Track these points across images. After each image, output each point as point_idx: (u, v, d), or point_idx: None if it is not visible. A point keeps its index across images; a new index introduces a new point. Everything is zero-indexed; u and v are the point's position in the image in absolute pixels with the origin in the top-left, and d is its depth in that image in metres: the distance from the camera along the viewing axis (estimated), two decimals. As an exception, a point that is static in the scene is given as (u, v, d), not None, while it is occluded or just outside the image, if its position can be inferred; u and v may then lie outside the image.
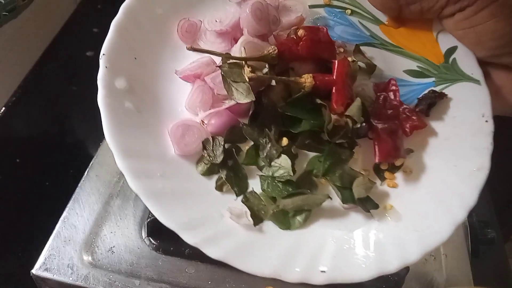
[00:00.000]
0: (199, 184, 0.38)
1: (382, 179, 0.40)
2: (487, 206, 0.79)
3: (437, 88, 0.41)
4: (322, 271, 0.34)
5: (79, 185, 0.67)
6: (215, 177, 0.39)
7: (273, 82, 0.39)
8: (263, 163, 0.39)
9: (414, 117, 0.39)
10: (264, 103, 0.39)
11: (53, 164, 0.80)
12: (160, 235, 0.61)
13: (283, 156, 0.38)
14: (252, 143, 0.40)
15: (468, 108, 0.39)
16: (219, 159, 0.38)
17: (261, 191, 0.38)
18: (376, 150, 0.39)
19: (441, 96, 0.40)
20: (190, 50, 0.38)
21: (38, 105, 0.81)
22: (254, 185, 0.39)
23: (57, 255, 0.60)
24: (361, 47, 0.43)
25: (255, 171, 0.40)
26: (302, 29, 0.39)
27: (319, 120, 0.38)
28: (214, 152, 0.38)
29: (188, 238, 0.34)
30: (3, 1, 0.64)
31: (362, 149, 0.40)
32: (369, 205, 0.38)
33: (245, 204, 0.38)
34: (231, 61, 0.38)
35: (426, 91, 0.41)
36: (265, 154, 0.38)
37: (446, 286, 0.62)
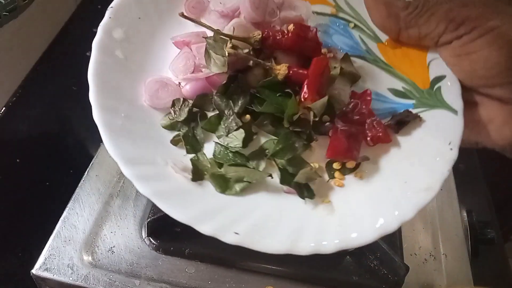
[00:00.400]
0: (156, 134, 0.41)
1: (331, 176, 0.41)
2: (487, 206, 0.79)
3: (415, 111, 0.42)
4: (235, 233, 0.35)
5: (79, 185, 0.67)
6: (175, 133, 0.41)
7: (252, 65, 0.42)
8: (221, 133, 0.41)
9: (379, 129, 0.40)
10: (240, 82, 0.41)
11: (53, 164, 0.80)
12: (160, 235, 0.61)
13: (240, 130, 0.41)
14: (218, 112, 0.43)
15: (437, 134, 0.40)
16: (182, 117, 0.41)
17: (211, 156, 0.41)
18: (329, 146, 0.40)
19: (414, 117, 0.41)
20: (181, 16, 0.41)
21: (38, 105, 0.81)
22: (207, 149, 0.41)
23: (57, 255, 0.60)
24: (354, 59, 0.45)
25: (212, 138, 0.42)
26: (293, 25, 0.41)
27: (283, 107, 0.40)
28: (180, 111, 0.41)
29: (126, 171, 0.36)
30: (3, 1, 0.64)
31: (322, 146, 0.41)
32: (306, 192, 0.39)
33: (192, 161, 0.40)
34: (219, 36, 0.41)
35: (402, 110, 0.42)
36: (225, 124, 0.41)
37: (446, 286, 0.62)
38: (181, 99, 0.42)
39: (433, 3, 0.39)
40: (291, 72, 0.40)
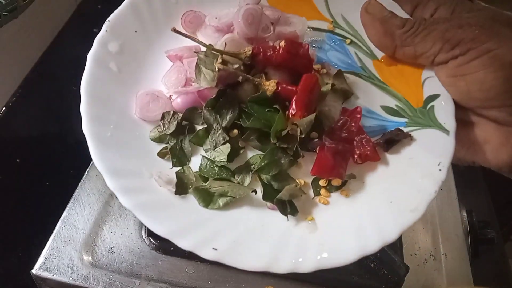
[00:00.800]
0: (144, 146, 0.41)
1: (317, 193, 0.41)
2: (487, 206, 0.79)
3: (406, 129, 0.41)
4: (213, 248, 0.35)
5: (79, 185, 0.67)
6: (163, 146, 0.41)
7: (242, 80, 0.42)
8: (208, 146, 0.41)
9: (367, 147, 0.40)
10: (229, 96, 0.41)
11: (53, 164, 0.80)
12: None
13: (227, 144, 0.41)
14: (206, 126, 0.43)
15: (427, 153, 0.39)
16: (171, 130, 0.41)
17: (197, 170, 0.41)
18: (314, 163, 0.40)
19: (405, 136, 0.41)
20: (173, 31, 0.41)
21: (38, 105, 0.81)
22: (194, 163, 0.41)
23: (57, 255, 0.60)
24: (347, 75, 0.45)
25: (200, 151, 0.42)
26: (284, 41, 0.41)
27: (271, 122, 0.40)
28: (169, 124, 0.42)
29: (110, 182, 0.36)
30: (3, 1, 0.64)
31: (309, 162, 0.41)
32: (289, 208, 0.39)
33: (177, 174, 0.40)
34: (210, 51, 0.41)
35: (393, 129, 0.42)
36: (213, 138, 0.41)
37: (446, 286, 0.62)
38: (171, 112, 0.42)
39: (429, 22, 0.39)
40: (279, 88, 0.40)
